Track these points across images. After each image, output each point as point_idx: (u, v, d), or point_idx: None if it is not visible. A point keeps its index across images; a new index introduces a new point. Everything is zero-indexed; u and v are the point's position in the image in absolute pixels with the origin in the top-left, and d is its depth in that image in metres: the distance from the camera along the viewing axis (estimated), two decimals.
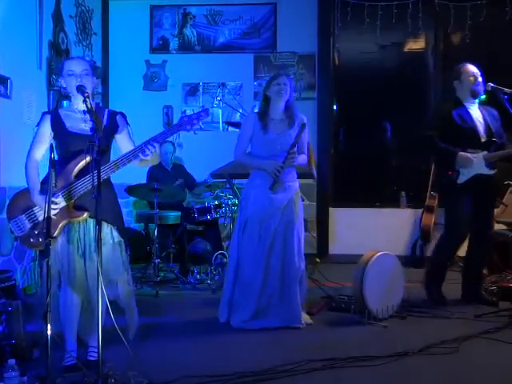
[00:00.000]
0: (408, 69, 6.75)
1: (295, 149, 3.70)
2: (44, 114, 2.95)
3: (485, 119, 4.13)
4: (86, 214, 2.83)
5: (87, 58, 6.05)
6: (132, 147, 2.92)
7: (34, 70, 5.19)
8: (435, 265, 4.30)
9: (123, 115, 3.04)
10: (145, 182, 5.62)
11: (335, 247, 6.55)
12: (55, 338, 2.60)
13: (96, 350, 2.72)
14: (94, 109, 2.70)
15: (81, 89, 2.77)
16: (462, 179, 4.04)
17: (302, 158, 3.81)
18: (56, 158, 2.73)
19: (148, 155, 2.82)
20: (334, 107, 6.79)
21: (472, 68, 4.17)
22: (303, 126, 3.73)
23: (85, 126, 2.87)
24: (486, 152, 4.02)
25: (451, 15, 6.38)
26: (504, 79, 4.29)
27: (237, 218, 3.88)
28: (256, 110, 3.94)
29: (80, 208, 2.83)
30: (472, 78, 4.10)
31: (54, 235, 2.77)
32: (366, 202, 6.64)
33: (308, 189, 6.58)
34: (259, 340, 3.47)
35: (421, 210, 6.20)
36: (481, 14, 6.27)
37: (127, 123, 3.03)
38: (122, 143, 3.01)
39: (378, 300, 3.76)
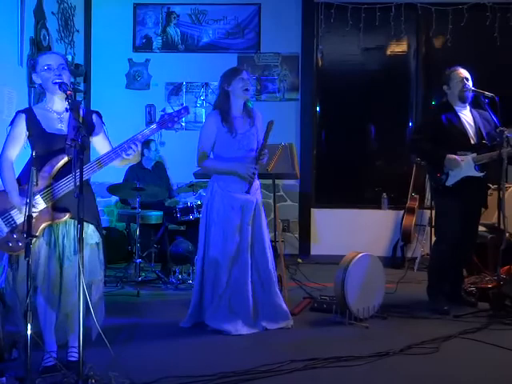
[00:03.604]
0: (390, 71, 6.80)
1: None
2: (18, 112, 2.84)
3: (476, 122, 4.12)
4: (67, 216, 2.77)
5: (69, 58, 6.01)
6: (109, 148, 2.90)
7: (15, 66, 5.12)
8: (433, 274, 4.21)
9: (99, 114, 2.99)
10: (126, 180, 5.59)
11: (317, 248, 6.57)
12: (35, 338, 2.57)
13: (76, 351, 2.70)
14: (77, 107, 2.66)
15: (63, 87, 2.73)
16: (450, 181, 4.02)
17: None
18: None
19: (130, 154, 2.79)
20: (317, 108, 6.82)
21: (461, 73, 4.13)
22: (271, 123, 3.56)
23: (61, 126, 2.83)
24: (474, 154, 4.00)
25: (433, 19, 6.45)
26: (484, 83, 4.35)
27: (208, 219, 3.65)
28: (212, 108, 3.71)
29: (61, 209, 2.77)
30: (460, 84, 4.09)
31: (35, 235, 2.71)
32: (347, 203, 6.67)
33: (290, 189, 6.61)
34: (241, 340, 3.46)
35: (402, 212, 6.26)
36: (462, 18, 6.35)
37: (103, 122, 2.99)
38: (99, 145, 2.96)
39: (360, 300, 3.79)
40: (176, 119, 2.87)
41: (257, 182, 3.70)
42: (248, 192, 3.57)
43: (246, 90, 3.60)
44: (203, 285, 3.66)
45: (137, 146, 2.79)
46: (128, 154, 2.78)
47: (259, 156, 3.56)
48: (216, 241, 3.61)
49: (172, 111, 2.94)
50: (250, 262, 3.62)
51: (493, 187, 4.33)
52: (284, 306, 3.72)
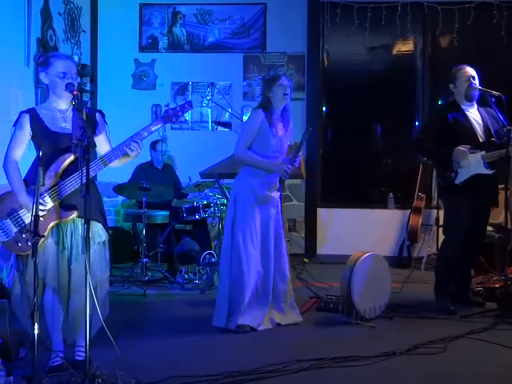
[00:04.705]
0: (396, 71, 6.78)
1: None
2: (22, 113, 2.86)
3: (483, 120, 4.09)
4: (75, 214, 2.79)
5: (76, 58, 6.04)
6: (108, 148, 2.92)
7: (22, 67, 5.15)
8: (440, 274, 4.19)
9: (102, 114, 3.01)
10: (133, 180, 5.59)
11: (323, 247, 6.57)
12: (42, 337, 2.58)
13: (83, 350, 2.70)
14: (82, 107, 2.68)
15: (70, 87, 2.74)
16: (460, 179, 3.99)
17: None
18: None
19: (133, 150, 2.81)
20: (323, 108, 6.80)
21: (467, 72, 4.11)
22: (309, 129, 3.84)
23: (65, 125, 2.84)
24: (483, 152, 3.97)
25: (439, 18, 6.43)
26: (491, 82, 4.33)
27: (234, 215, 3.73)
28: (257, 108, 3.85)
29: (68, 208, 2.78)
30: (467, 83, 4.07)
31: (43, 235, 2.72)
32: (353, 203, 6.66)
33: (296, 189, 6.61)
34: (247, 340, 3.47)
35: (408, 211, 6.24)
36: (468, 17, 6.32)
37: (105, 122, 3.01)
38: (99, 144, 2.97)
39: (366, 300, 3.78)
40: (180, 113, 2.92)
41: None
42: (280, 190, 3.74)
43: (285, 94, 3.77)
44: (233, 282, 3.68)
45: (138, 143, 2.81)
46: (132, 150, 2.80)
47: (294, 158, 3.71)
48: (243, 237, 3.67)
49: (176, 105, 2.96)
50: (274, 257, 3.74)
51: (500, 186, 4.31)
52: (294, 302, 3.84)
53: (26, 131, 2.83)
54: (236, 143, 3.76)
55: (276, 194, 3.79)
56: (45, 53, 4.98)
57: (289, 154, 3.81)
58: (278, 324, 3.72)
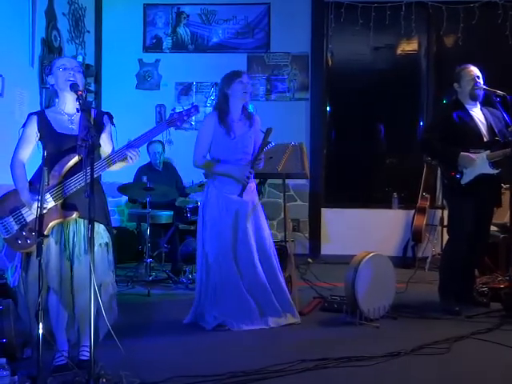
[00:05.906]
0: (401, 70, 6.77)
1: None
2: (30, 114, 2.92)
3: (487, 120, 4.08)
4: (75, 214, 2.80)
5: (80, 58, 6.06)
6: (110, 148, 2.93)
7: (27, 67, 5.17)
8: (445, 274, 4.17)
9: (109, 115, 3.03)
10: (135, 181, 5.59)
11: (327, 248, 6.56)
12: (46, 337, 2.59)
13: (88, 350, 2.71)
14: (88, 108, 2.69)
15: (74, 87, 2.76)
16: (465, 180, 3.98)
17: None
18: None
19: (132, 158, 2.82)
20: (327, 108, 6.80)
21: (472, 71, 4.09)
22: (270, 130, 3.58)
23: (72, 127, 2.87)
24: (488, 151, 3.96)
25: (444, 17, 6.42)
26: (496, 82, 4.32)
27: (203, 219, 3.71)
28: (212, 110, 3.76)
29: (69, 208, 2.80)
30: (471, 82, 4.06)
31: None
32: (358, 203, 6.65)
33: (300, 189, 6.60)
34: (251, 339, 3.46)
35: (412, 211, 6.23)
36: (473, 16, 6.31)
37: (112, 123, 3.01)
38: (103, 144, 2.96)
39: (370, 300, 3.77)
40: (185, 118, 2.90)
41: (252, 184, 3.75)
42: (241, 195, 3.58)
43: (245, 93, 3.65)
44: (202, 283, 3.72)
45: (137, 152, 2.80)
46: (131, 158, 2.80)
47: (255, 160, 3.60)
48: (210, 242, 3.66)
49: (182, 110, 2.96)
50: (252, 262, 3.65)
51: (505, 187, 4.30)
52: (291, 303, 3.77)
53: (34, 132, 2.88)
54: (194, 153, 3.68)
55: (246, 200, 3.63)
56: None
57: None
58: (272, 326, 3.65)
